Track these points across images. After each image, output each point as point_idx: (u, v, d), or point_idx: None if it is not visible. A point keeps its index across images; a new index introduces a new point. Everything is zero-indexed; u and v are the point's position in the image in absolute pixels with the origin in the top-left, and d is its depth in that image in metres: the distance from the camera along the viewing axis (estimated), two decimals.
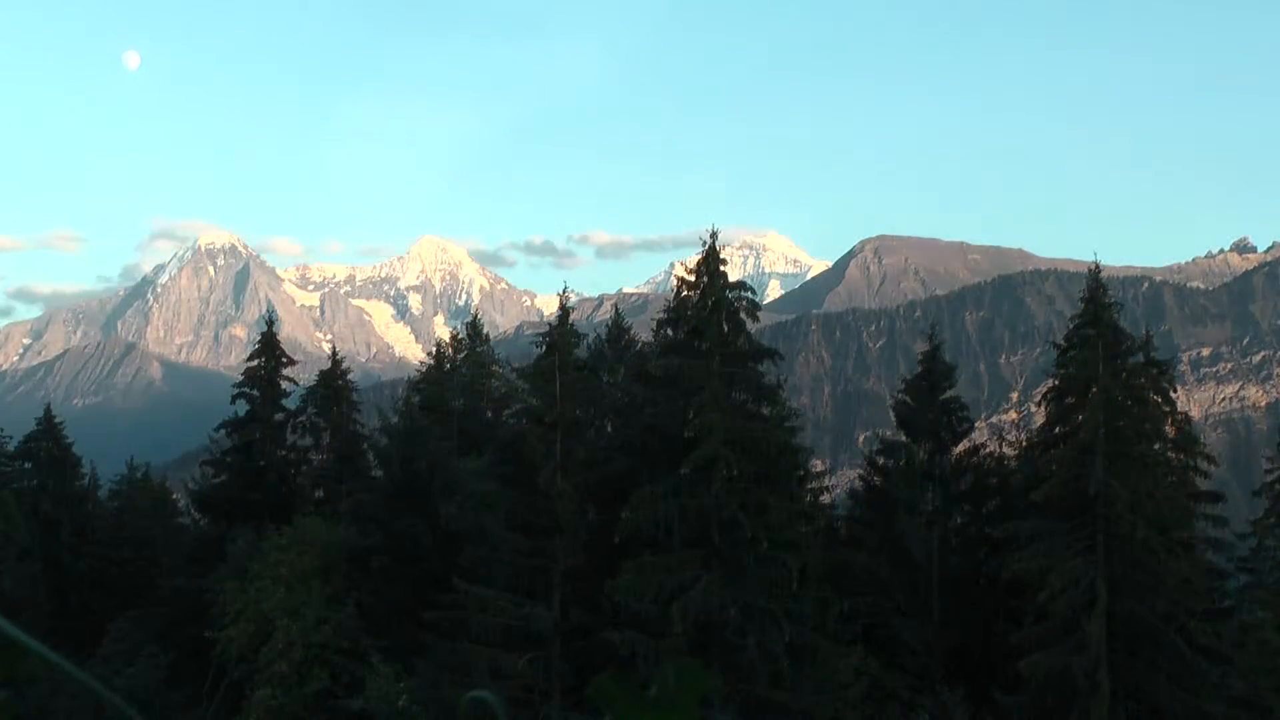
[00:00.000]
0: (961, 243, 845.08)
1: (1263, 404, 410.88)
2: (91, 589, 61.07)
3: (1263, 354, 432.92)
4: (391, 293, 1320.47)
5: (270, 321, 61.98)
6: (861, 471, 49.70)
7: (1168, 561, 38.44)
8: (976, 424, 52.18)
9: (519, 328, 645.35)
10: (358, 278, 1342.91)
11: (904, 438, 47.37)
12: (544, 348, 41.00)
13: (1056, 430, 42.70)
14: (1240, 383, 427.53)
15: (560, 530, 38.56)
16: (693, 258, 39.11)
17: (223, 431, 57.86)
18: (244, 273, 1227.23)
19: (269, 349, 57.79)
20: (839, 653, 37.51)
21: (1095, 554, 39.22)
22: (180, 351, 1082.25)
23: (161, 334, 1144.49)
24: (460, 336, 67.32)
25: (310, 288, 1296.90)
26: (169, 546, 59.98)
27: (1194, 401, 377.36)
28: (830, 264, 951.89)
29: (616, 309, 70.27)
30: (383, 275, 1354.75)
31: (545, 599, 38.53)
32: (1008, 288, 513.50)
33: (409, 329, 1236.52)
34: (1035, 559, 39.10)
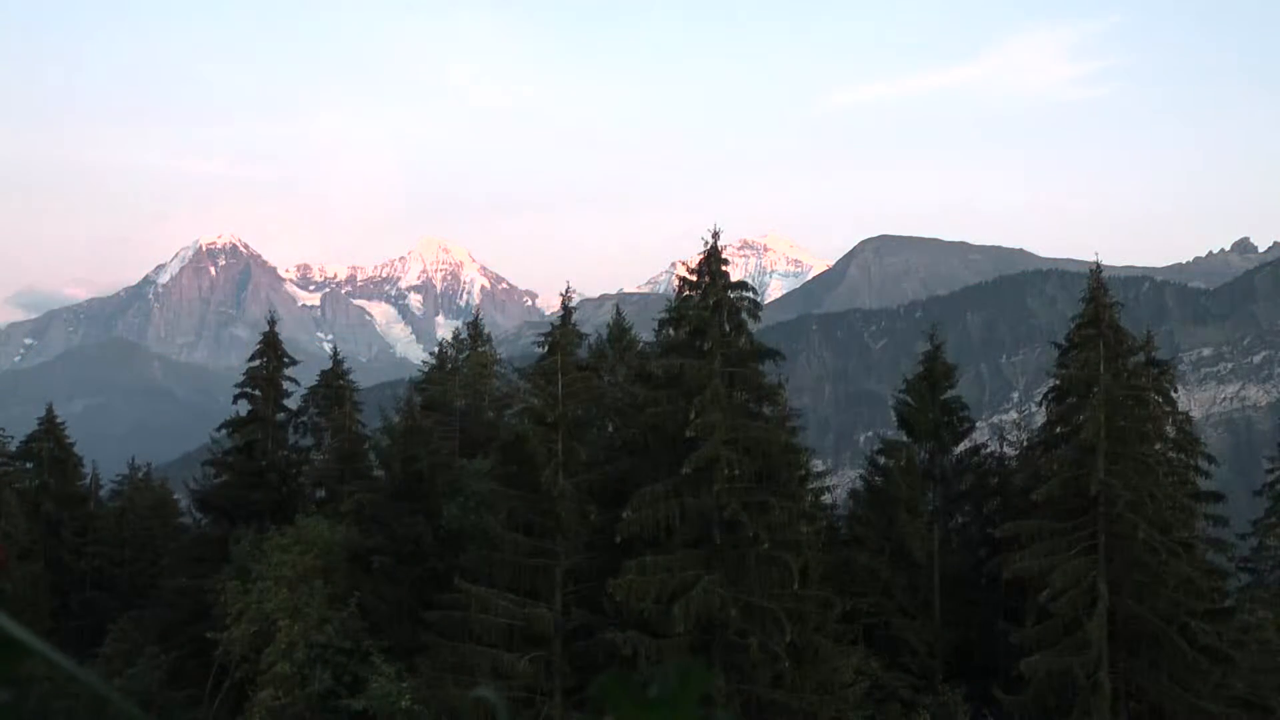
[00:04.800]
0: (962, 243, 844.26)
1: (1263, 404, 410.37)
2: (93, 589, 61.16)
3: (1263, 354, 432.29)
4: (392, 293, 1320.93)
5: (271, 322, 61.90)
6: (862, 471, 49.71)
7: (1169, 561, 38.45)
8: (977, 424, 52.16)
9: (520, 328, 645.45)
10: (359, 278, 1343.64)
11: (905, 438, 47.38)
12: (545, 348, 41.01)
13: (1058, 430, 42.70)
14: (1241, 383, 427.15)
15: (562, 530, 38.56)
16: (694, 258, 39.16)
17: (224, 431, 57.85)
18: (245, 273, 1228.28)
19: (270, 349, 57.76)
20: (840, 652, 37.52)
21: (1096, 554, 39.24)
22: (181, 351, 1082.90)
23: (162, 334, 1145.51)
24: (462, 336, 67.33)
25: (311, 288, 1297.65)
26: (170, 547, 60.01)
27: (1195, 401, 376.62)
28: (831, 264, 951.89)
29: (618, 309, 70.18)
30: (384, 275, 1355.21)
31: (547, 599, 38.54)
32: (1009, 288, 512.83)
33: (410, 329, 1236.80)
34: (1036, 559, 39.12)
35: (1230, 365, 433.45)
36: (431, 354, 66.38)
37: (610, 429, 43.75)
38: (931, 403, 46.74)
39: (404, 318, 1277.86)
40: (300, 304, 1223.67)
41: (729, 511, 35.70)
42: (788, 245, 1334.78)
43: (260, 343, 58.78)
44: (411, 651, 39.69)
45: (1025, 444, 48.73)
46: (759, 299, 40.63)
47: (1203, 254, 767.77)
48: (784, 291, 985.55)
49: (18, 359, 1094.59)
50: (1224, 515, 45.60)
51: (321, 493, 54.61)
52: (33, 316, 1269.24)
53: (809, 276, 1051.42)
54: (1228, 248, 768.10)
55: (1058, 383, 43.45)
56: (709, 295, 38.26)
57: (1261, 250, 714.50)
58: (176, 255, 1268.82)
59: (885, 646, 42.33)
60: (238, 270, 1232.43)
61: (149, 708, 44.51)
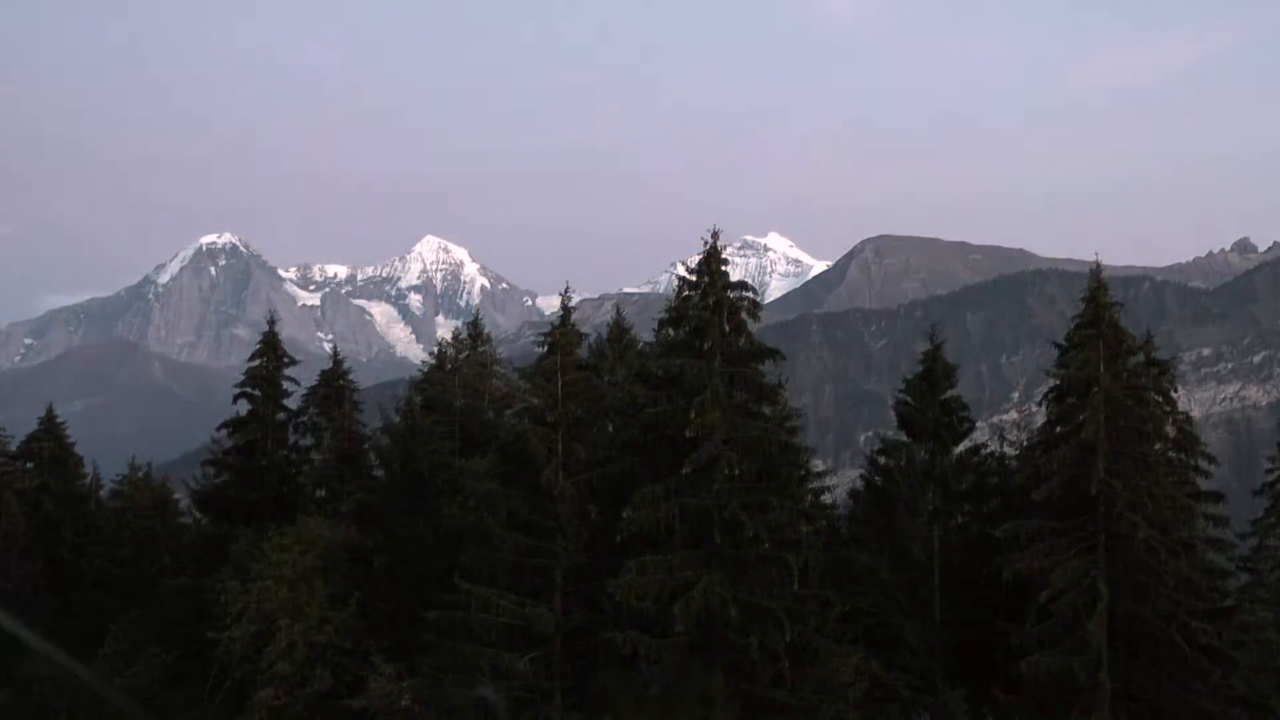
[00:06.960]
0: (962, 243, 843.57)
1: (1263, 404, 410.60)
2: (93, 589, 61.04)
3: (1263, 354, 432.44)
4: (393, 292, 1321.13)
5: (271, 321, 61.86)
6: (862, 471, 49.64)
7: (1169, 561, 38.42)
8: (977, 424, 52.06)
9: (520, 328, 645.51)
10: (359, 277, 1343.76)
11: (905, 437, 47.31)
12: (545, 347, 41.01)
13: (1057, 430, 42.63)
14: (1241, 383, 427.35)
15: (562, 530, 38.59)
16: (694, 258, 39.15)
17: (224, 431, 57.84)
18: (245, 272, 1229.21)
19: (270, 349, 57.74)
20: (840, 653, 37.49)
21: (1096, 554, 39.22)
22: (181, 351, 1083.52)
23: (163, 334, 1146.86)
24: (462, 336, 67.27)
25: (311, 288, 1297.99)
26: (170, 546, 59.98)
27: (1195, 401, 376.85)
28: (831, 264, 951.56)
29: (618, 309, 70.05)
30: (384, 275, 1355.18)
31: (547, 598, 38.55)
32: (1009, 288, 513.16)
33: (410, 329, 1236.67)
34: (1036, 559, 39.09)
35: (1230, 365, 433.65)
36: (431, 354, 66.28)
37: (610, 429, 43.74)
38: (931, 403, 46.67)
39: (404, 318, 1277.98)
40: (300, 304, 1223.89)
41: (729, 511, 35.70)
42: (788, 245, 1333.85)
43: (260, 343, 58.74)
44: (411, 651, 39.69)
45: (1025, 444, 48.66)
46: (759, 299, 40.57)
47: (1203, 254, 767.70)
48: (784, 291, 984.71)
49: (18, 359, 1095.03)
50: (1224, 515, 45.51)
51: (321, 493, 54.61)
52: (33, 316, 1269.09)
53: (809, 276, 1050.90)
54: (1228, 248, 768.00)
55: (1057, 383, 43.39)
56: (709, 295, 38.22)
57: (1261, 250, 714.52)
58: (176, 255, 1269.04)
59: (885, 646, 42.28)
60: (238, 270, 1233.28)
61: (149, 708, 44.52)
